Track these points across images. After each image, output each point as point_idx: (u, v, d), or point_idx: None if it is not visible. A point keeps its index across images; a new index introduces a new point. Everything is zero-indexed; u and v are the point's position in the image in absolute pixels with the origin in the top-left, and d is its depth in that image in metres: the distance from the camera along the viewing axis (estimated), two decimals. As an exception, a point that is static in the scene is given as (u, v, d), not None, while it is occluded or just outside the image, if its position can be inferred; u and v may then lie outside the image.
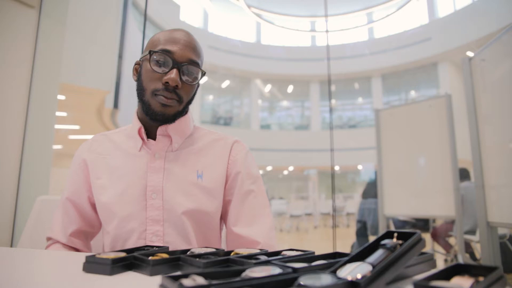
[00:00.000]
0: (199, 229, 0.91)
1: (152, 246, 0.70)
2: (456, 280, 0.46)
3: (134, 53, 5.87)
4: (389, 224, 4.23)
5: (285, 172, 18.56)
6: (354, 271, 0.45)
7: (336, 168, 16.48)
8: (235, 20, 16.34)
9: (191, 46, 0.88)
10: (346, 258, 0.51)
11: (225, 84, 16.53)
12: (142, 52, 0.92)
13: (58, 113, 2.46)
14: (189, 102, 0.93)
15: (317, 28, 17.23)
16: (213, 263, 0.55)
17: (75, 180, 0.97)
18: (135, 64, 0.93)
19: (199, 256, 0.60)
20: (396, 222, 4.29)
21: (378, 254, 0.50)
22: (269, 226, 0.94)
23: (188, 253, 0.64)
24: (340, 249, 0.87)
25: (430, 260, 0.60)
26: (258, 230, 0.92)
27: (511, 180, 2.13)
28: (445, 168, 3.19)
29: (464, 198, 3.24)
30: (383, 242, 0.54)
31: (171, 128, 0.91)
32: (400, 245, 0.53)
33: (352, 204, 10.61)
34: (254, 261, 0.55)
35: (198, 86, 0.94)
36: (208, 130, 1.03)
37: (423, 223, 4.12)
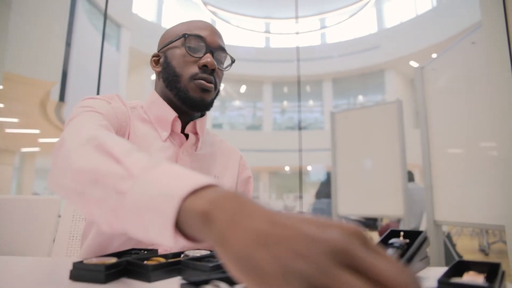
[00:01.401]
0: None
1: (140, 249, 0.64)
2: (467, 277, 0.48)
3: (84, 42, 5.49)
4: (341, 223, 4.38)
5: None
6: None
7: (286, 168, 16.83)
8: (190, 16, 16.02)
9: (218, 33, 0.88)
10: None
11: (178, 81, 16.14)
12: (162, 42, 0.87)
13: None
14: (218, 91, 0.89)
15: (272, 30, 17.47)
16: (218, 266, 0.51)
17: (108, 111, 0.76)
18: (153, 56, 0.88)
19: (199, 259, 0.56)
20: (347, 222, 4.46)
21: (389, 253, 0.50)
22: None
23: (182, 256, 0.60)
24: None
25: (426, 257, 0.62)
26: None
27: (455, 181, 2.31)
28: (395, 170, 3.37)
29: (409, 198, 3.44)
30: (390, 241, 0.54)
31: (199, 125, 0.87)
32: (408, 243, 0.53)
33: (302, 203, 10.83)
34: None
35: None
36: (213, 132, 1.00)
37: (373, 222, 4.34)
